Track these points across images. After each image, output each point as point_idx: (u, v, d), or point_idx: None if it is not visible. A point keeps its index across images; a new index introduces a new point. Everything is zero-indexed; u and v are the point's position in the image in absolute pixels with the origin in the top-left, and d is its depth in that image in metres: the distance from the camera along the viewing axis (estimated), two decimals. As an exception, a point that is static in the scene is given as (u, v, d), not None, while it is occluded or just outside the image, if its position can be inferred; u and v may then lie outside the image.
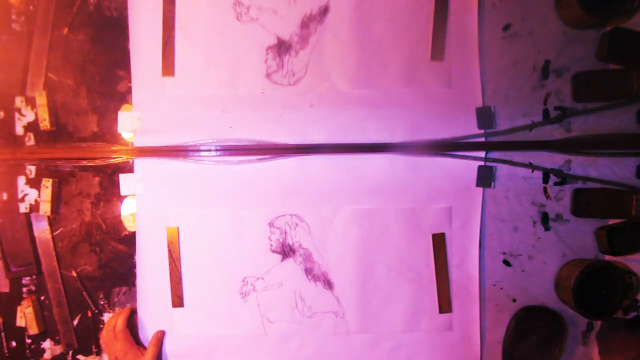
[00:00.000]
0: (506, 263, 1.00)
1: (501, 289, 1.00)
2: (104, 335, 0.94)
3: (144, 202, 0.99)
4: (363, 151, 0.98)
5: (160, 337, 0.97)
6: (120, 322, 0.95)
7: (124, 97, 1.00)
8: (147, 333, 0.99)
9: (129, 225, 1.00)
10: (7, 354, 1.00)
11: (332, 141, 0.98)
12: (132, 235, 1.00)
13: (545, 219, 1.00)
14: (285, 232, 1.00)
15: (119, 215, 1.00)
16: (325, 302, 1.00)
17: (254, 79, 0.99)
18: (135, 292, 0.99)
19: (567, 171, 1.00)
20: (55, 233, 1.00)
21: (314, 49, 0.99)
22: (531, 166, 0.99)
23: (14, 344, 1.00)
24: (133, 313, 0.99)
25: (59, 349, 1.01)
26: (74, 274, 1.00)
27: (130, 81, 0.99)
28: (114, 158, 0.98)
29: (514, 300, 1.00)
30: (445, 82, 0.99)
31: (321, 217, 0.99)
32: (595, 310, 0.93)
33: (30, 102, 0.99)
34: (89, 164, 0.99)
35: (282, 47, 0.99)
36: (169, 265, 0.99)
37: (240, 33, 0.99)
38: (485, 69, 0.99)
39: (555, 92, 0.99)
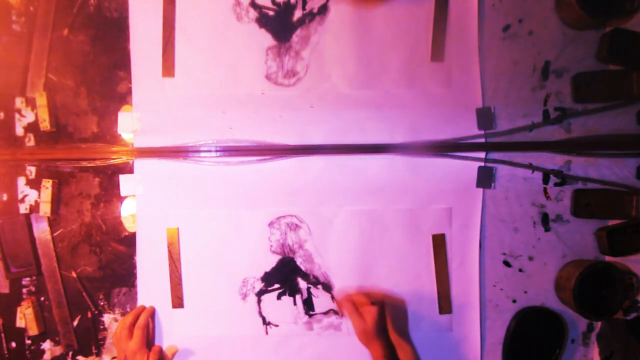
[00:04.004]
0: (506, 264, 1.00)
1: (501, 289, 1.00)
2: (117, 332, 0.93)
3: (144, 202, 0.99)
4: (363, 152, 0.98)
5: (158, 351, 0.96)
6: (142, 318, 0.94)
7: (124, 97, 1.00)
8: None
9: (129, 226, 1.00)
10: (7, 355, 0.99)
11: (332, 142, 0.98)
12: (132, 236, 1.00)
13: (545, 219, 1.00)
14: (285, 233, 1.00)
15: (119, 216, 1.00)
16: (326, 302, 1.00)
17: (254, 80, 0.99)
18: (136, 293, 0.99)
19: (567, 172, 1.00)
20: (55, 234, 1.00)
21: (314, 50, 0.99)
22: (531, 167, 0.99)
23: (13, 344, 1.00)
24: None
25: (58, 350, 1.01)
26: (74, 274, 1.00)
27: (130, 82, 0.99)
28: (114, 159, 0.98)
29: (514, 301, 1.00)
30: (445, 83, 0.99)
31: (321, 218, 0.99)
32: (596, 311, 0.93)
33: (31, 103, 0.99)
34: (89, 165, 0.99)
35: (282, 48, 0.99)
36: (169, 266, 0.99)
37: (240, 34, 0.99)
38: (485, 69, 0.99)
39: (555, 93, 0.99)
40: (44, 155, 0.98)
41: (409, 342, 0.96)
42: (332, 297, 1.00)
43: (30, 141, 0.99)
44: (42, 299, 1.00)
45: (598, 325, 1.00)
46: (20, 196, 0.99)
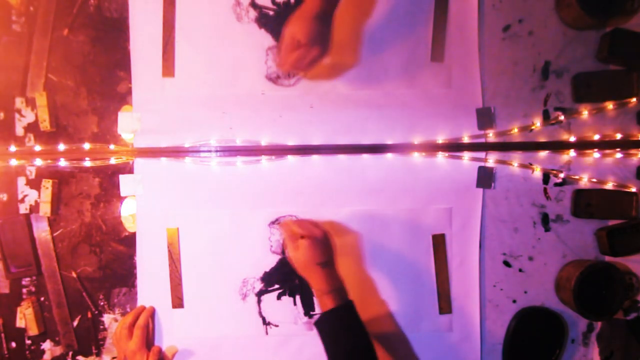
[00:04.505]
0: (506, 264, 1.00)
1: (501, 289, 1.00)
2: (117, 332, 0.93)
3: (144, 202, 0.99)
4: (363, 152, 0.98)
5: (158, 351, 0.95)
6: (142, 318, 0.94)
7: (124, 97, 1.00)
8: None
9: (129, 226, 1.00)
10: (7, 355, 0.99)
11: (332, 142, 0.98)
12: (132, 236, 1.00)
13: (545, 219, 1.00)
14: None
15: (119, 216, 1.00)
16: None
17: (254, 80, 0.99)
18: (136, 293, 0.99)
19: (567, 172, 1.00)
20: (55, 234, 1.00)
21: (314, 50, 0.99)
22: (531, 167, 0.99)
23: (13, 345, 1.00)
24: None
25: (58, 350, 1.01)
26: (74, 274, 1.00)
27: (130, 82, 0.99)
28: (114, 159, 0.98)
29: (514, 301, 1.00)
30: (446, 83, 0.99)
31: (321, 218, 0.99)
32: (596, 311, 0.93)
33: (31, 103, 0.99)
34: (89, 165, 0.99)
35: (282, 48, 0.99)
36: (169, 266, 0.98)
37: (240, 34, 0.99)
38: (485, 69, 0.99)
39: (555, 93, 0.99)
40: (44, 155, 0.98)
41: (366, 275, 0.94)
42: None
43: (30, 141, 0.99)
44: (42, 299, 1.00)
45: (598, 325, 1.00)
46: (20, 196, 0.99)
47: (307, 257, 0.82)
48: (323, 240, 0.84)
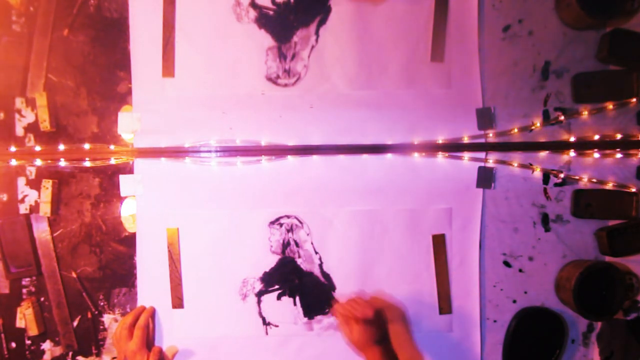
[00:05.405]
0: (506, 264, 1.00)
1: (501, 290, 1.00)
2: (117, 333, 0.93)
3: (144, 203, 0.99)
4: (363, 152, 0.98)
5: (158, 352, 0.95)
6: (143, 318, 0.94)
7: (124, 98, 1.00)
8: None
9: (129, 226, 1.00)
10: (6, 355, 0.99)
11: (332, 142, 0.98)
12: (132, 236, 1.00)
13: (545, 220, 1.00)
14: (285, 233, 1.00)
15: (119, 216, 1.00)
16: (326, 302, 1.00)
17: (254, 80, 0.99)
18: (136, 294, 0.99)
19: (567, 172, 1.00)
20: (55, 234, 1.00)
21: (314, 50, 0.99)
22: (531, 167, 0.99)
23: (13, 345, 1.00)
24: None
25: (58, 350, 1.00)
26: (74, 275, 1.00)
27: (130, 82, 0.99)
28: (114, 159, 0.98)
29: (514, 302, 1.00)
30: (445, 83, 0.99)
31: (321, 218, 0.99)
32: (596, 312, 0.93)
33: (31, 103, 0.99)
34: (89, 165, 0.99)
35: (282, 49, 0.99)
36: (169, 266, 0.98)
37: (240, 34, 0.99)
38: (485, 70, 0.99)
39: (555, 93, 0.99)
40: (44, 155, 0.98)
41: (414, 348, 0.95)
42: (332, 298, 1.00)
43: (30, 141, 0.99)
44: (42, 299, 1.00)
45: (598, 325, 1.00)
46: (20, 196, 0.99)
47: (363, 338, 0.84)
48: (376, 320, 0.85)
